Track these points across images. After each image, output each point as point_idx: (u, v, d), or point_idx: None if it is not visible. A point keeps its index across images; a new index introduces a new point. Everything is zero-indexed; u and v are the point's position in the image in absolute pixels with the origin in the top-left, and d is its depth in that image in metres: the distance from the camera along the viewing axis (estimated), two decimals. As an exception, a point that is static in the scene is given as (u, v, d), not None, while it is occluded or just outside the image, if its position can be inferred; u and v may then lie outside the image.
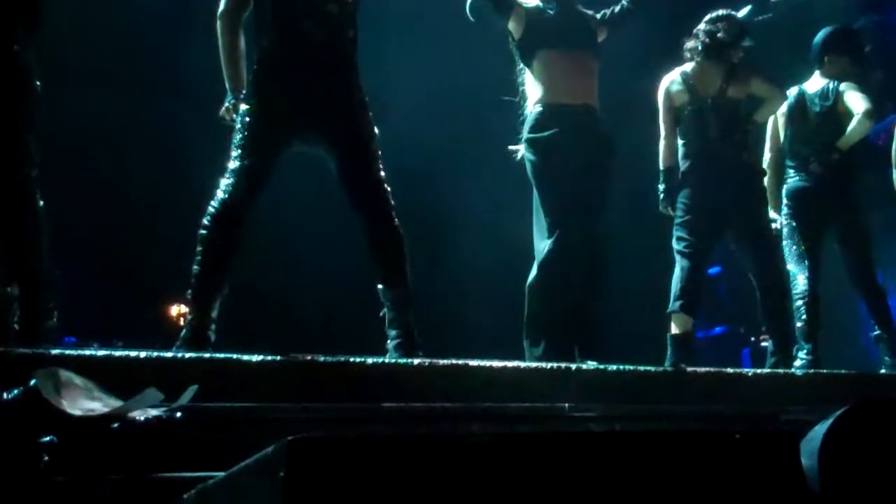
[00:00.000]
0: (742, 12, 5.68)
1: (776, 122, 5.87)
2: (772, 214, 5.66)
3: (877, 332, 5.55)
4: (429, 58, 7.08)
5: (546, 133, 4.90)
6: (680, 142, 5.44)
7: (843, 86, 5.67)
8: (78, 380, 2.70)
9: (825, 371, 4.89)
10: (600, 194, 4.96)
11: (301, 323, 7.17)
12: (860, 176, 5.83)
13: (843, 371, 4.78)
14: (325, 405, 2.97)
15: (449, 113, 7.37)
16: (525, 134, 4.99)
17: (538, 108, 4.97)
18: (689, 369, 4.37)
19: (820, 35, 5.88)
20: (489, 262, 7.33)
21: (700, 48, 5.42)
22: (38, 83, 3.63)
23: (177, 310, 7.10)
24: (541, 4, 5.07)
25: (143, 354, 3.02)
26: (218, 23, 4.10)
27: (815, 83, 5.79)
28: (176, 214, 5.22)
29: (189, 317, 3.83)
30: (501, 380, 3.46)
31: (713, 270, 7.41)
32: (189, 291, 3.85)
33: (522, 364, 3.84)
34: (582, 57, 5.04)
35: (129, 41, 6.99)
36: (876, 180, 6.17)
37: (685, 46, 5.51)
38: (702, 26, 5.48)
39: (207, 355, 3.23)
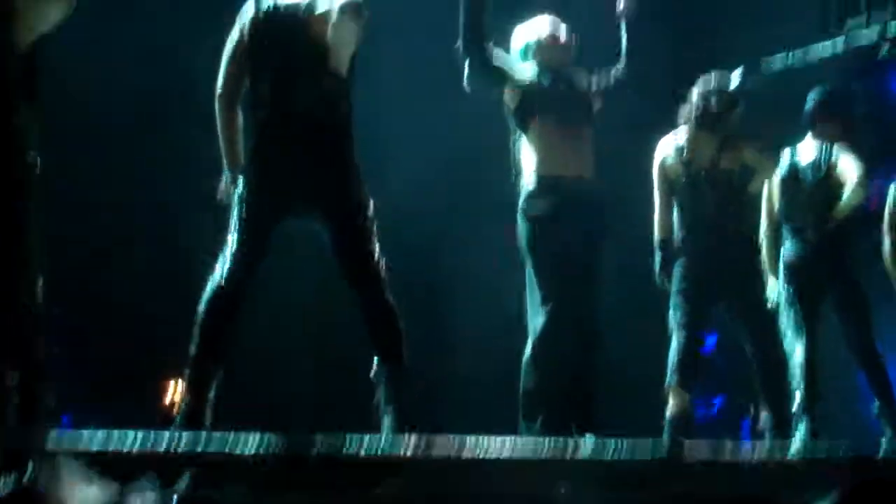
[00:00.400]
0: (734, 74, 5.67)
1: (771, 190, 5.88)
2: (770, 283, 5.66)
3: (877, 405, 5.52)
4: (427, 125, 7.13)
5: (540, 205, 4.92)
6: (675, 213, 5.46)
7: (835, 151, 5.68)
8: (74, 467, 2.69)
9: (823, 454, 4.82)
10: (595, 268, 4.97)
11: (294, 389, 7.13)
12: (857, 242, 5.83)
13: (840, 452, 4.73)
14: (319, 493, 2.96)
15: (447, 180, 7.40)
16: (519, 205, 5.01)
17: (533, 180, 4.99)
18: (687, 446, 4.33)
19: (811, 97, 5.86)
20: (489, 333, 7.28)
21: (692, 118, 5.46)
22: (38, 164, 3.62)
23: (173, 385, 7.05)
24: (536, 75, 5.10)
25: (139, 440, 3.00)
26: (216, 103, 4.13)
27: (808, 148, 5.78)
28: (174, 290, 5.22)
29: (185, 399, 3.82)
30: (498, 462, 3.44)
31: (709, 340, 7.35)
32: (186, 373, 3.85)
33: (520, 441, 3.81)
34: (577, 128, 5.07)
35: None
36: (867, 245, 6.16)
37: (679, 112, 5.55)
38: (694, 95, 5.50)
39: (201, 447, 3.20)
